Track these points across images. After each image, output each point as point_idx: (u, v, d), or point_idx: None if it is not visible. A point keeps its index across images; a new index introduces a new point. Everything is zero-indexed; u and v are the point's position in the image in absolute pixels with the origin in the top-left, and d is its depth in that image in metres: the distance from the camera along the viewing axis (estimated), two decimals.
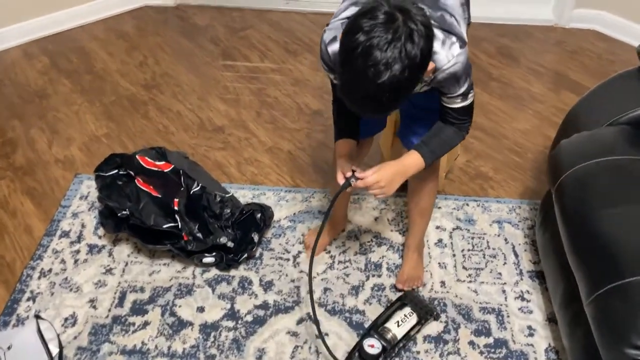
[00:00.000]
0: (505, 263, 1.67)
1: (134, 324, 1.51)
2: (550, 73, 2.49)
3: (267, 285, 1.61)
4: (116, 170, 1.75)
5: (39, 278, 1.61)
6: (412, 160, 1.26)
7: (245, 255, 1.63)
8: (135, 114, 2.23)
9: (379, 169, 1.23)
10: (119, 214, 1.62)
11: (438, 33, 1.08)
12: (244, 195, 1.88)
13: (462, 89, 1.18)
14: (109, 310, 1.54)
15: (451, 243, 1.73)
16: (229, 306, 1.55)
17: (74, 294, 1.57)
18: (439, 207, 1.84)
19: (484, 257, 1.69)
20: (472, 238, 1.75)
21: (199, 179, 1.75)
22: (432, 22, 1.04)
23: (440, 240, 1.74)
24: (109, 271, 1.63)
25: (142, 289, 1.59)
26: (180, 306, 1.55)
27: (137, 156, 1.75)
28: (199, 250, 1.58)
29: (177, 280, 1.61)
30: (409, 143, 1.40)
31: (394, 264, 1.67)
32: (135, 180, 1.71)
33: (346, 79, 1.00)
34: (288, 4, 2.90)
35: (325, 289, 1.60)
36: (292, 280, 1.62)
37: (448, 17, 1.14)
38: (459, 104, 1.22)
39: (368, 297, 1.58)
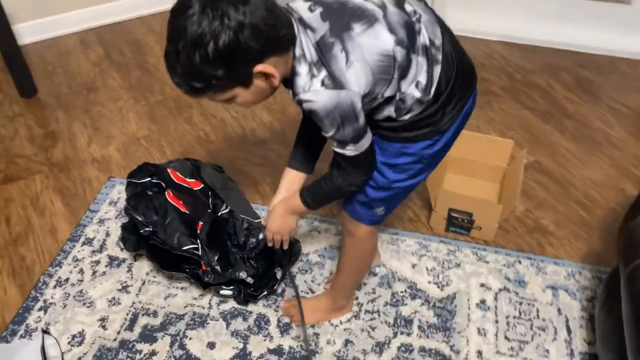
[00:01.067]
0: (555, 339, 1.47)
1: (140, 351, 1.42)
2: (634, 115, 2.21)
3: (285, 328, 1.49)
4: (149, 179, 1.68)
5: (55, 287, 1.56)
6: (296, 203, 1.25)
7: (265, 292, 1.52)
8: (178, 117, 2.15)
9: (268, 216, 1.32)
10: (141, 231, 1.54)
11: (308, 57, 0.98)
12: None
13: (329, 132, 1.04)
14: (118, 332, 1.46)
15: (495, 307, 1.54)
16: (241, 346, 1.44)
17: (87, 309, 1.51)
18: (487, 262, 1.65)
19: (531, 328, 1.49)
20: (521, 303, 1.55)
21: (229, 201, 1.65)
22: (311, 44, 0.98)
23: (483, 302, 1.55)
24: (125, 288, 1.56)
25: (155, 313, 1.50)
26: (190, 338, 1.45)
27: (168, 169, 1.67)
28: (216, 283, 1.48)
29: (192, 309, 1.52)
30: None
31: (427, 322, 1.50)
32: (166, 193, 1.63)
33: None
34: None
35: (347, 341, 1.46)
36: (312, 326, 1.49)
37: (337, 50, 0.98)
38: (336, 148, 1.08)
39: (393, 357, 1.42)
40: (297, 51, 0.99)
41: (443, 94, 1.09)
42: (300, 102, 1.02)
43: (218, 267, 1.48)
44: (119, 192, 1.83)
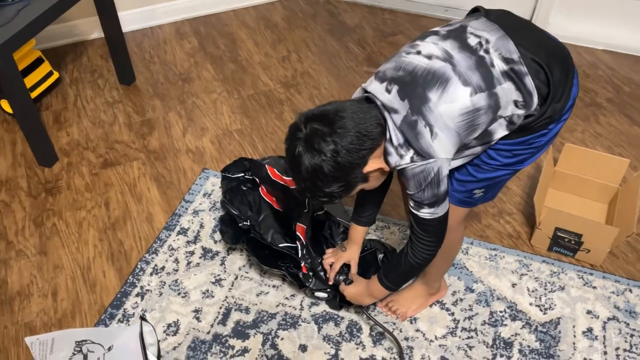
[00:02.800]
0: None
1: (233, 347, 1.43)
2: None
3: (377, 338, 1.44)
4: (242, 174, 1.68)
5: (151, 274, 1.58)
6: (377, 288, 1.33)
7: None
8: (270, 112, 2.15)
9: (352, 283, 1.42)
10: (239, 224, 1.54)
11: (395, 140, 1.07)
12: None
13: (411, 191, 1.12)
14: (212, 325, 1.47)
15: (604, 337, 1.44)
16: (333, 352, 1.41)
17: (182, 299, 1.53)
18: (594, 287, 1.55)
19: None
20: (632, 335, 1.44)
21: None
22: (396, 128, 1.06)
23: (590, 330, 1.45)
24: (218, 282, 1.57)
25: (247, 310, 1.50)
26: (282, 339, 1.44)
27: (266, 165, 1.67)
28: (317, 288, 1.46)
29: (283, 308, 1.51)
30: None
31: (529, 347, 1.42)
32: (260, 189, 1.63)
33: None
34: (447, 12, 2.66)
35: (442, 358, 1.40)
36: (406, 339, 1.44)
37: (421, 126, 1.05)
38: (411, 208, 1.15)
39: None
40: (387, 134, 1.09)
41: (548, 95, 1.11)
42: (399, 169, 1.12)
43: (322, 273, 1.46)
44: (212, 184, 1.85)
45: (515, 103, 1.09)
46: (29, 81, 2.06)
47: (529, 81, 1.08)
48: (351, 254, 1.47)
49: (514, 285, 1.56)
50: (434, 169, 1.07)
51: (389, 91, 1.08)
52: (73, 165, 1.93)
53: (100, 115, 2.13)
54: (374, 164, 1.10)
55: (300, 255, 1.47)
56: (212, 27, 2.61)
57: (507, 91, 1.08)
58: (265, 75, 2.33)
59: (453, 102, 1.05)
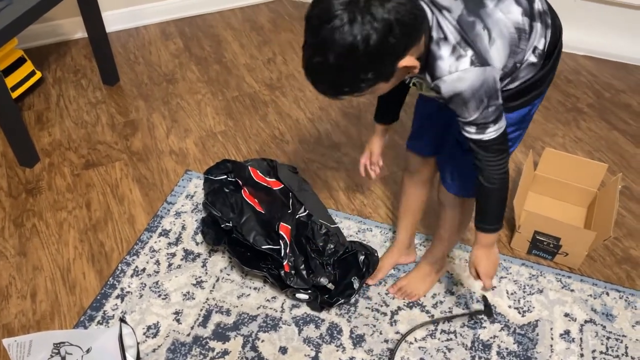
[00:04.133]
0: None
1: (213, 349, 1.42)
2: None
3: (358, 340, 1.45)
4: (225, 176, 1.68)
5: (132, 276, 1.57)
6: (486, 237, 1.21)
7: (342, 301, 1.49)
8: (254, 114, 2.15)
9: (478, 265, 1.24)
10: (222, 225, 1.54)
11: (451, 38, 0.97)
12: (349, 226, 1.73)
13: (473, 116, 1.03)
14: (192, 327, 1.47)
15: (580, 339, 1.46)
16: (313, 354, 1.42)
17: (162, 301, 1.52)
18: (572, 290, 1.57)
19: None
20: (608, 338, 1.46)
21: (306, 203, 1.63)
22: (451, 25, 0.97)
23: (567, 333, 1.47)
24: (199, 284, 1.56)
25: (228, 312, 1.50)
26: (263, 341, 1.44)
27: (249, 167, 1.67)
28: (298, 287, 1.46)
29: (264, 310, 1.51)
30: (442, 180, 1.36)
31: (507, 349, 1.43)
32: (242, 191, 1.63)
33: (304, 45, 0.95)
34: None
35: None
36: (386, 341, 1.45)
37: (479, 28, 0.98)
38: (473, 135, 1.06)
39: None
40: (435, 34, 0.98)
41: (552, 57, 1.12)
42: (441, 87, 1.00)
43: (304, 272, 1.47)
44: (195, 186, 1.84)
45: (534, 49, 1.08)
46: (11, 81, 2.04)
47: (549, 34, 1.09)
48: (372, 145, 1.42)
49: (493, 287, 1.57)
50: (492, 79, 0.99)
51: None
52: (54, 165, 1.91)
53: (83, 116, 2.11)
54: (411, 59, 0.95)
55: (283, 254, 1.47)
56: (197, 28, 2.61)
57: (538, 32, 1.07)
58: (250, 77, 2.34)
59: (508, 13, 1.01)
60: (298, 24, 2.63)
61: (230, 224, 1.53)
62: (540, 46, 1.08)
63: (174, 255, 1.64)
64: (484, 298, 1.45)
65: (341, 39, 0.86)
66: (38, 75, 2.17)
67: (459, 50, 0.97)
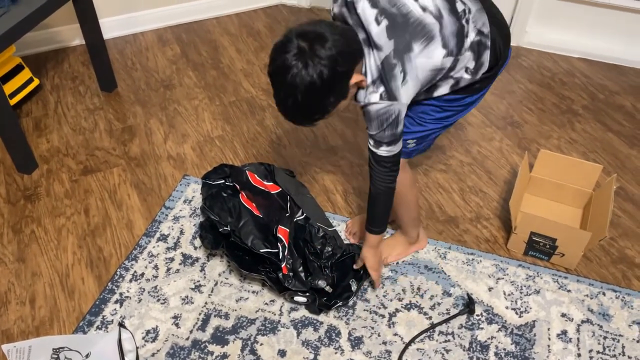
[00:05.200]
0: None
1: (212, 353, 1.43)
2: None
3: (356, 342, 1.46)
4: (223, 181, 1.69)
5: (130, 281, 1.58)
6: (372, 239, 1.46)
7: (340, 303, 1.49)
8: (251, 119, 2.16)
9: (366, 261, 1.48)
10: (220, 229, 1.55)
11: (370, 74, 1.19)
12: None
13: (373, 132, 1.25)
14: (191, 331, 1.47)
15: (577, 339, 1.47)
16: (311, 357, 1.42)
17: (161, 305, 1.53)
18: (569, 291, 1.58)
19: None
20: (605, 338, 1.47)
21: (304, 207, 1.64)
22: (375, 65, 1.17)
23: (564, 332, 1.48)
24: (197, 288, 1.57)
25: (226, 316, 1.51)
26: (261, 344, 1.45)
27: (246, 171, 1.68)
28: (296, 289, 1.47)
29: (263, 314, 1.51)
30: None
31: (505, 350, 1.44)
32: (240, 195, 1.64)
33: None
34: None
35: None
36: (384, 343, 1.46)
37: (397, 71, 1.17)
38: (371, 147, 1.29)
39: None
40: (362, 69, 1.20)
41: (490, 71, 1.32)
42: (359, 103, 1.24)
43: (302, 275, 1.47)
44: (193, 190, 1.85)
45: (467, 69, 1.27)
46: (9, 88, 2.05)
47: (486, 55, 1.27)
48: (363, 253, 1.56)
49: (490, 289, 1.58)
50: (395, 111, 1.21)
51: (378, 22, 1.17)
52: (53, 172, 1.92)
53: (80, 122, 2.12)
54: (357, 75, 1.18)
55: (281, 257, 1.48)
56: (194, 34, 2.62)
57: (466, 59, 1.25)
58: (247, 82, 2.35)
59: (429, 59, 1.19)
60: None
61: (228, 228, 1.54)
62: (471, 65, 1.27)
63: (172, 259, 1.64)
64: (469, 296, 1.52)
65: (302, 81, 1.10)
66: (36, 82, 2.18)
67: (372, 87, 1.19)
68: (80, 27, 2.10)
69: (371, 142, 1.28)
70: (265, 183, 1.67)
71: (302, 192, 1.73)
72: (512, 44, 1.39)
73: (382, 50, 1.16)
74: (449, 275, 1.61)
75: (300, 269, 1.49)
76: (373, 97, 1.19)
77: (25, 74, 2.14)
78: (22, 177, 1.90)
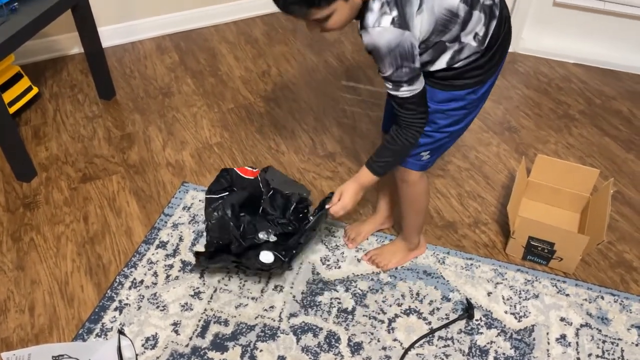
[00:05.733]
0: None
1: (212, 359, 1.43)
2: None
3: (356, 348, 1.46)
4: (226, 193, 1.68)
5: (130, 288, 1.58)
6: (367, 176, 1.36)
7: (302, 240, 1.54)
8: (250, 126, 2.17)
9: (342, 192, 1.42)
10: (232, 247, 1.54)
11: None
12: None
13: (388, 72, 1.15)
14: (190, 338, 1.47)
15: (577, 343, 1.47)
16: None
17: (160, 312, 1.53)
18: (567, 295, 1.58)
19: None
20: (604, 342, 1.48)
21: (274, 181, 1.69)
22: None
23: (563, 337, 1.48)
24: (197, 294, 1.57)
25: (226, 322, 1.51)
26: (261, 350, 1.45)
27: (236, 168, 1.71)
28: (242, 250, 1.51)
29: (262, 320, 1.51)
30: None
31: (504, 354, 1.44)
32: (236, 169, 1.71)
33: None
34: None
35: None
36: (384, 348, 1.46)
37: None
38: (390, 90, 1.19)
39: None
40: None
41: (493, 47, 1.22)
42: (363, 37, 1.11)
43: (242, 240, 1.53)
44: (192, 197, 1.86)
45: (475, 35, 1.18)
46: (8, 96, 2.06)
47: (493, 24, 1.20)
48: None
49: (489, 293, 1.59)
50: (408, 43, 1.10)
51: None
52: (52, 179, 1.92)
53: (79, 130, 2.13)
54: None
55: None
56: (192, 42, 2.64)
57: (478, 20, 1.17)
58: (245, 89, 2.36)
59: None
60: (292, 37, 2.67)
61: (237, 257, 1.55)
62: (481, 33, 1.19)
63: (171, 266, 1.64)
64: (468, 301, 1.53)
65: None
66: (35, 90, 2.19)
67: (385, 8, 1.07)
68: (79, 35, 2.11)
69: (389, 85, 1.17)
70: (253, 171, 1.71)
71: (289, 182, 1.75)
72: (508, 50, 1.35)
73: None
74: (447, 280, 1.62)
75: (239, 234, 1.53)
76: (384, 20, 1.07)
77: (24, 82, 2.15)
78: (21, 185, 1.90)
